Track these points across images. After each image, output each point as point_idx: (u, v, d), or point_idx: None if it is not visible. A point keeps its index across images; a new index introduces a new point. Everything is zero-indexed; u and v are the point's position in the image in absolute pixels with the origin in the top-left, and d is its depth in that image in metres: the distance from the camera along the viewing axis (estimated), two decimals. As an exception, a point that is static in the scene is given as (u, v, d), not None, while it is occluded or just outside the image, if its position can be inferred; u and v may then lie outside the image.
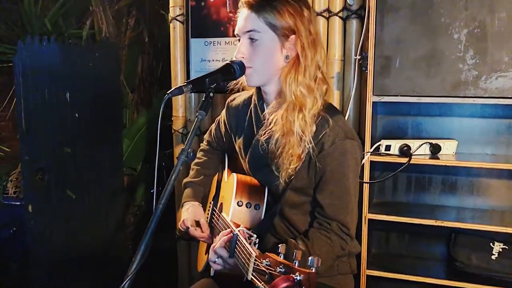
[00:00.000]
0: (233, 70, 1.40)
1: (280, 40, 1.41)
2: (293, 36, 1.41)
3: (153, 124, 3.27)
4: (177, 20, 2.45)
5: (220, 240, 1.35)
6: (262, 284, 1.02)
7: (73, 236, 2.53)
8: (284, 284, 0.93)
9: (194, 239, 2.63)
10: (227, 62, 1.42)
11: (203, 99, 1.30)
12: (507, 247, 2.03)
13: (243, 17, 1.43)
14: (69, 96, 2.46)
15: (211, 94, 1.31)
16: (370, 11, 1.91)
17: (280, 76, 1.44)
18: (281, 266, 1.00)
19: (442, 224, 1.96)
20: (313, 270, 0.96)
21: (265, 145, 1.48)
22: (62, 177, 2.50)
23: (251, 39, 1.42)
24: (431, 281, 1.99)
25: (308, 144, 1.40)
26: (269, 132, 1.45)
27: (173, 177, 1.20)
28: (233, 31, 1.93)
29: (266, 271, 1.03)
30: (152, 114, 3.31)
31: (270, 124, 1.45)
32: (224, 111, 1.76)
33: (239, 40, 1.46)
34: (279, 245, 1.07)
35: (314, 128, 1.41)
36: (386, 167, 2.12)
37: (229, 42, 2.35)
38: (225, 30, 2.35)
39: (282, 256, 1.05)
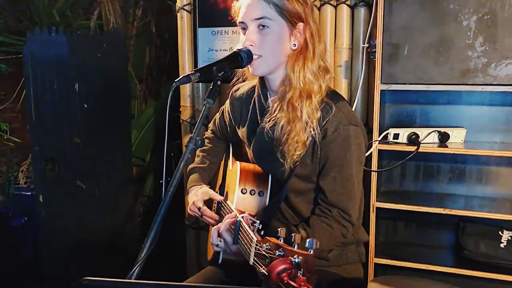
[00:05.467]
0: (240, 58, 1.39)
1: (289, 28, 1.41)
2: (300, 24, 1.41)
3: (161, 114, 3.28)
4: (184, 9, 2.45)
5: (225, 222, 1.37)
6: (263, 268, 1.03)
7: (83, 225, 2.56)
8: (282, 266, 0.94)
9: (203, 227, 2.64)
10: (235, 50, 1.41)
11: (211, 87, 1.30)
12: (516, 236, 2.03)
13: (250, 4, 1.41)
14: (77, 87, 2.47)
15: (219, 83, 1.31)
16: (378, -2, 1.90)
17: (286, 64, 1.44)
18: (280, 250, 1.02)
19: (451, 213, 1.95)
20: (311, 252, 0.97)
21: (270, 132, 1.48)
22: (72, 168, 2.52)
23: (261, 26, 1.40)
24: (439, 269, 1.99)
25: (313, 130, 1.40)
26: (274, 119, 1.46)
27: (181, 164, 1.20)
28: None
29: (266, 255, 1.05)
30: (160, 104, 3.32)
31: (275, 111, 1.45)
32: (228, 101, 1.77)
33: (242, 28, 1.45)
34: (279, 229, 1.08)
35: (319, 114, 1.41)
36: (394, 155, 2.12)
37: (237, 32, 2.33)
38: (232, 19, 2.34)
39: (282, 240, 1.06)
